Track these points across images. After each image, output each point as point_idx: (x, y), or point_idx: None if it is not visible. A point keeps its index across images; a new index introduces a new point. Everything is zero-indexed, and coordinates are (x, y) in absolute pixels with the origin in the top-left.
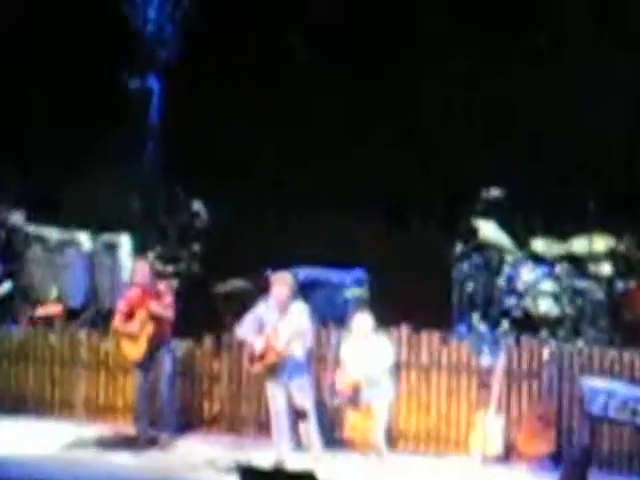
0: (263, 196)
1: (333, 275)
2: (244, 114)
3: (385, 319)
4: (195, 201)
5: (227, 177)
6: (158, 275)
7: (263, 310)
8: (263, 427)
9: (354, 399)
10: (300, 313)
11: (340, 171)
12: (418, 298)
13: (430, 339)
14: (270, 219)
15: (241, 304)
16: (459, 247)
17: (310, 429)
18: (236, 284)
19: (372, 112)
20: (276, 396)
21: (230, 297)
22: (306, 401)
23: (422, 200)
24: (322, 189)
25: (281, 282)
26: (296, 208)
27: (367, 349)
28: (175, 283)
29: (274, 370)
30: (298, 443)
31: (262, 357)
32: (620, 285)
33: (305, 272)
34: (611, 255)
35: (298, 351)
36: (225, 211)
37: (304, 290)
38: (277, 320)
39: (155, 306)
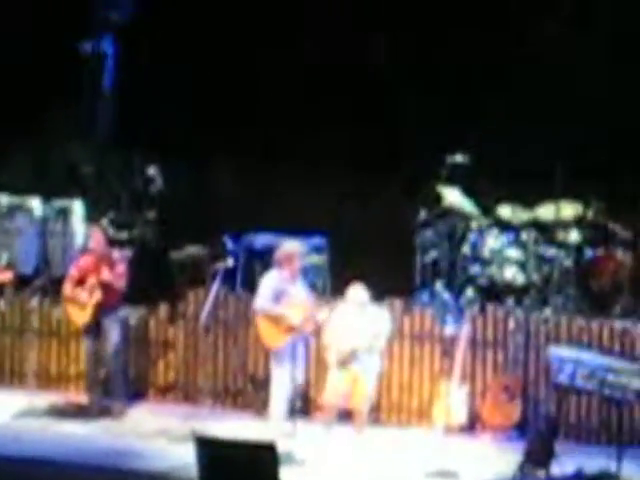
0: (220, 162)
1: (291, 242)
2: (199, 77)
3: (345, 287)
4: (150, 166)
5: (182, 142)
6: (113, 243)
7: (277, 281)
8: (219, 397)
9: (347, 362)
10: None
11: (299, 136)
12: (379, 265)
13: (392, 307)
14: (227, 185)
15: (197, 271)
16: (422, 214)
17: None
18: (192, 251)
19: (326, 76)
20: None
21: (185, 264)
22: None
23: (384, 166)
24: (281, 155)
25: (295, 253)
26: (254, 174)
27: (364, 319)
28: (129, 250)
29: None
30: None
31: (299, 329)
32: (588, 252)
33: (263, 239)
34: (578, 222)
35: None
36: (181, 176)
37: (262, 257)
38: (293, 290)
39: (107, 275)
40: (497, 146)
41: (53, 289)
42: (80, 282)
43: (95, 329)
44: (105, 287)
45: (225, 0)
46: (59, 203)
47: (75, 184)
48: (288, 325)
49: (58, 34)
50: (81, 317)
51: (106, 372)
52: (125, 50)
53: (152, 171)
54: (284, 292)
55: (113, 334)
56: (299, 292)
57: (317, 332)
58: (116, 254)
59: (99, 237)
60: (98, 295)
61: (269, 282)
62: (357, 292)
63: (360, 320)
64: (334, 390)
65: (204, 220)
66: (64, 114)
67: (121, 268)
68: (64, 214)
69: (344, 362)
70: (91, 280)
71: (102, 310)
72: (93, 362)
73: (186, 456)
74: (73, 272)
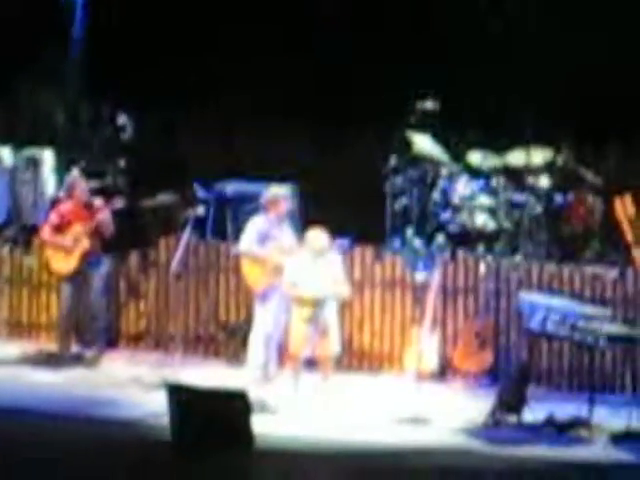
0: (191, 110)
1: (262, 189)
2: (170, 27)
3: None
4: (120, 114)
5: (153, 91)
6: (94, 192)
7: (263, 225)
8: (190, 345)
9: (309, 310)
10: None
11: (270, 84)
12: (350, 212)
13: (363, 254)
14: (198, 133)
15: (167, 219)
16: (393, 160)
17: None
18: (162, 198)
19: (301, 26)
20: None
21: (157, 211)
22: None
23: (355, 112)
24: (252, 102)
25: (282, 197)
26: (225, 122)
27: (323, 266)
28: (119, 200)
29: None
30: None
31: (280, 270)
32: (558, 198)
33: (234, 186)
34: (549, 168)
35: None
36: (152, 124)
37: (232, 204)
38: (279, 234)
39: (96, 222)
40: (466, 92)
41: (24, 238)
42: (59, 229)
43: (78, 276)
44: (91, 234)
45: None
46: (29, 152)
47: (45, 133)
48: (271, 267)
49: None
50: (66, 264)
51: (79, 320)
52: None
53: (122, 119)
54: (270, 235)
55: (96, 281)
56: (285, 236)
57: None
58: (97, 201)
59: (80, 184)
60: (85, 244)
61: (254, 225)
62: (316, 237)
63: (318, 266)
64: (298, 339)
65: (175, 168)
66: (34, 63)
67: (105, 216)
68: (34, 163)
69: (306, 310)
70: (76, 227)
71: (88, 258)
72: (70, 310)
73: (158, 404)
74: (53, 218)
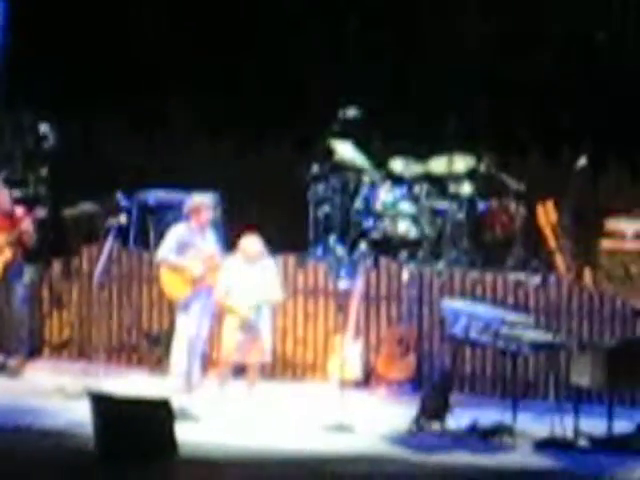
0: (113, 118)
1: (185, 198)
2: (90, 34)
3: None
4: (42, 124)
5: (74, 99)
6: (16, 201)
7: (184, 233)
8: (114, 353)
9: (242, 316)
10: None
11: (192, 91)
12: (273, 220)
13: (286, 262)
14: (121, 141)
15: (90, 228)
16: (315, 168)
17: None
18: (85, 208)
19: (224, 29)
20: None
21: (79, 221)
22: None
23: (277, 120)
24: (175, 110)
25: (204, 206)
26: (148, 130)
27: (258, 273)
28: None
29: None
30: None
31: (200, 280)
32: (481, 205)
33: (156, 195)
34: (471, 175)
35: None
36: (74, 133)
37: (155, 213)
38: (201, 243)
39: (20, 231)
40: (388, 99)
41: None
42: None
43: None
44: (14, 244)
45: None
46: None
47: None
48: (190, 276)
49: None
50: None
51: (2, 329)
52: (14, 9)
53: (44, 129)
54: (190, 244)
55: (19, 291)
56: (207, 244)
57: None
58: (19, 210)
59: (4, 194)
60: (8, 253)
61: (174, 233)
62: (249, 244)
63: (252, 273)
64: (230, 346)
65: (97, 177)
66: None
67: (27, 225)
68: None
69: (240, 317)
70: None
71: (10, 268)
72: None
73: (82, 413)
74: None
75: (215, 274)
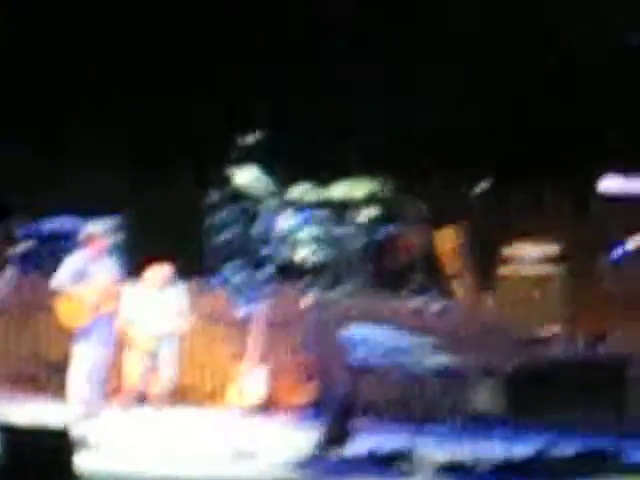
0: (12, 144)
1: (83, 226)
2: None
3: (138, 267)
4: None
5: None
6: None
7: (79, 261)
8: (14, 382)
9: (149, 345)
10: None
11: (96, 116)
12: (173, 247)
13: (187, 288)
14: (20, 168)
15: None
16: (214, 195)
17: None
18: None
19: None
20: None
21: None
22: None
23: (176, 147)
24: (74, 135)
25: (98, 234)
26: (47, 156)
27: (164, 300)
28: None
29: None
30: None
31: (96, 308)
32: (381, 231)
33: (56, 223)
34: (372, 201)
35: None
36: None
37: (55, 241)
38: (97, 271)
39: None
40: (292, 125)
41: None
42: None
43: None
44: None
45: None
46: None
47: None
48: (85, 304)
49: None
50: None
51: None
52: None
53: None
54: (86, 272)
55: None
56: (103, 272)
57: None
58: None
59: None
60: None
61: (69, 262)
62: (156, 274)
63: (160, 302)
64: (134, 375)
65: None
66: None
67: None
68: None
69: (146, 345)
70: None
71: None
72: None
73: None
74: None
75: (112, 302)
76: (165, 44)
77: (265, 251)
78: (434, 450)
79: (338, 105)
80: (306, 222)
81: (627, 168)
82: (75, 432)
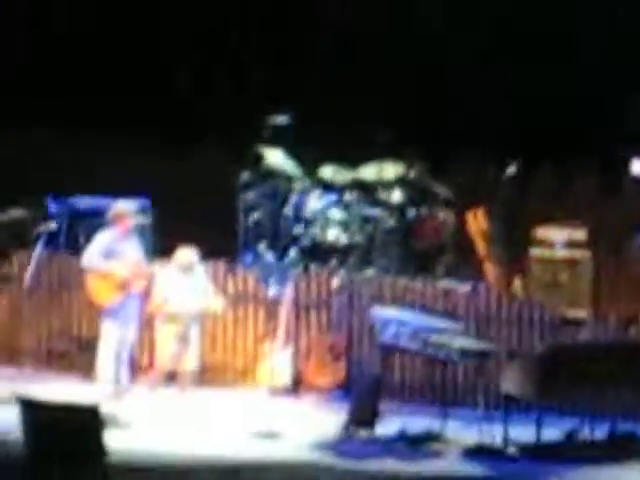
0: (42, 123)
1: (112, 204)
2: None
3: (170, 248)
4: None
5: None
6: None
7: (108, 239)
8: (43, 359)
9: (178, 324)
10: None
11: (121, 97)
12: (203, 226)
13: (216, 269)
14: (50, 146)
15: (20, 234)
16: (245, 175)
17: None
18: (14, 214)
19: (150, 32)
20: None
21: (9, 227)
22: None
23: (207, 126)
24: (105, 116)
25: (127, 212)
26: (77, 136)
27: (191, 281)
28: None
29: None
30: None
31: (126, 286)
32: (411, 213)
33: (85, 201)
34: (402, 182)
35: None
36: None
37: (84, 219)
38: (125, 249)
39: None
40: (318, 106)
41: None
42: None
43: None
44: None
45: None
46: None
47: None
48: (116, 282)
49: None
50: None
51: None
52: None
53: None
54: (115, 250)
55: None
56: (131, 250)
57: (147, 292)
58: None
59: None
60: None
61: (99, 240)
62: (184, 255)
63: (191, 282)
64: (166, 352)
65: (26, 183)
66: None
67: None
68: None
69: (176, 324)
70: None
71: None
72: None
73: (11, 419)
74: None
75: (142, 281)
76: (201, 26)
77: (295, 231)
78: (462, 432)
79: (370, 86)
80: (336, 203)
81: None
82: (104, 410)
